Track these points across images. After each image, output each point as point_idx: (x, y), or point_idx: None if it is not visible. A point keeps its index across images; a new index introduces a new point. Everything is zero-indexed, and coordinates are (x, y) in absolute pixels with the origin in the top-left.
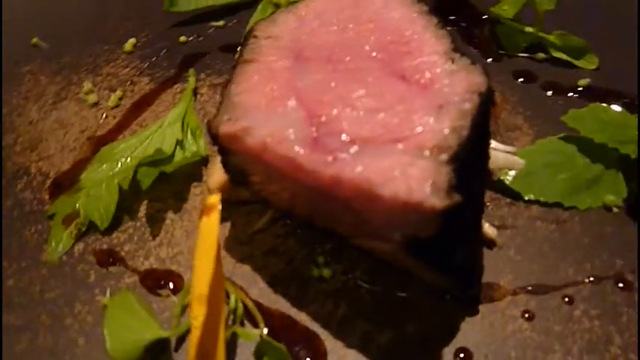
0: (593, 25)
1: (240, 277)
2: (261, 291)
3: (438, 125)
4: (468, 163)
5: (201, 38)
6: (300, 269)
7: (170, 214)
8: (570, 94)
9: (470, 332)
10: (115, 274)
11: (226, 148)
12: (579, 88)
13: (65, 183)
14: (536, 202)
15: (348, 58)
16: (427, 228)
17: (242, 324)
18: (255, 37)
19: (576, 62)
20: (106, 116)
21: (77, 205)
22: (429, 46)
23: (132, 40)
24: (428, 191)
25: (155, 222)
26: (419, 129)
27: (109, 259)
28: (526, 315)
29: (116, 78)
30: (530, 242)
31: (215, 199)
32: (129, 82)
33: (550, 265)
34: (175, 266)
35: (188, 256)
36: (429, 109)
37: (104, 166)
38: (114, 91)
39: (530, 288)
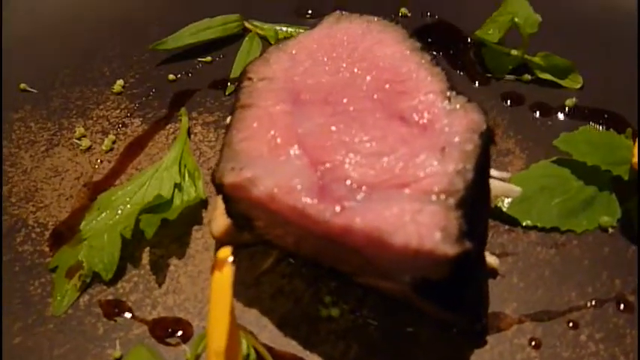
0: (575, 45)
1: (248, 321)
2: (271, 334)
3: (443, 168)
4: (474, 205)
5: (189, 75)
6: (308, 309)
7: (174, 260)
8: (558, 114)
9: None
10: (123, 325)
11: (231, 196)
12: (566, 108)
13: (65, 233)
14: (534, 227)
15: (345, 100)
16: (438, 272)
17: None
18: (249, 79)
19: (561, 82)
20: (101, 161)
21: (80, 256)
22: (425, 85)
23: (120, 81)
24: (439, 238)
25: (159, 269)
26: (424, 173)
27: (115, 309)
28: (533, 343)
29: (107, 121)
30: (532, 268)
31: (226, 253)
32: (120, 125)
33: (553, 291)
34: (183, 313)
35: (195, 303)
36: (432, 152)
37: (103, 214)
38: (106, 134)
39: (535, 315)
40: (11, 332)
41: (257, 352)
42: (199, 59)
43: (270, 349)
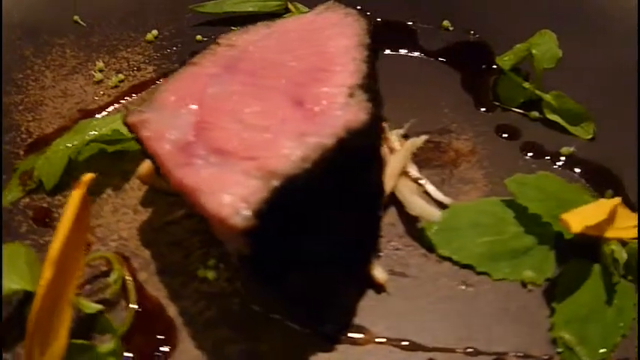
0: (593, 91)
1: (137, 259)
2: (149, 276)
3: (290, 152)
4: (306, 196)
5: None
6: (191, 266)
7: (109, 190)
8: (548, 160)
9: None
10: (40, 232)
11: (133, 135)
12: (562, 157)
13: (41, 144)
14: (449, 259)
15: (268, 76)
16: (240, 246)
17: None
18: (217, 43)
19: (571, 128)
20: (103, 94)
21: (35, 164)
22: (342, 78)
23: (154, 32)
24: (234, 210)
25: (94, 194)
26: (273, 152)
27: (44, 218)
28: None
29: (127, 62)
30: (425, 297)
31: (88, 177)
32: (136, 68)
33: (432, 326)
34: (92, 236)
35: (105, 230)
36: (294, 136)
37: (75, 136)
38: (119, 73)
39: (397, 342)
40: None
41: (124, 284)
42: (232, 28)
43: (140, 288)
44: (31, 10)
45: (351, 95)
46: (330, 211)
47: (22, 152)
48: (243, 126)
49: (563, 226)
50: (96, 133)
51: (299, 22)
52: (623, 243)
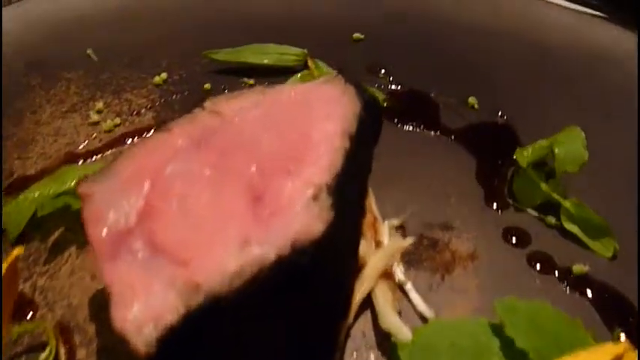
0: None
1: (80, 333)
2: (87, 355)
3: (224, 262)
4: (229, 319)
5: (225, 90)
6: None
7: (72, 248)
8: (557, 276)
9: None
10: None
11: None
12: (571, 275)
13: (20, 186)
14: None
15: (237, 159)
16: None
17: None
18: (203, 107)
19: (589, 242)
20: (94, 138)
21: (8, 208)
22: (311, 173)
23: (164, 75)
24: (138, 328)
25: (55, 251)
26: (205, 257)
27: None
28: None
29: (129, 105)
30: None
31: (19, 251)
32: (136, 112)
33: None
34: (41, 298)
35: (57, 296)
36: (236, 241)
37: (52, 184)
38: (117, 116)
39: None
40: None
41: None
42: (244, 79)
43: None
44: (45, 41)
45: (315, 197)
46: (261, 341)
47: None
48: (188, 218)
49: None
50: (70, 184)
51: (295, 92)
52: None
